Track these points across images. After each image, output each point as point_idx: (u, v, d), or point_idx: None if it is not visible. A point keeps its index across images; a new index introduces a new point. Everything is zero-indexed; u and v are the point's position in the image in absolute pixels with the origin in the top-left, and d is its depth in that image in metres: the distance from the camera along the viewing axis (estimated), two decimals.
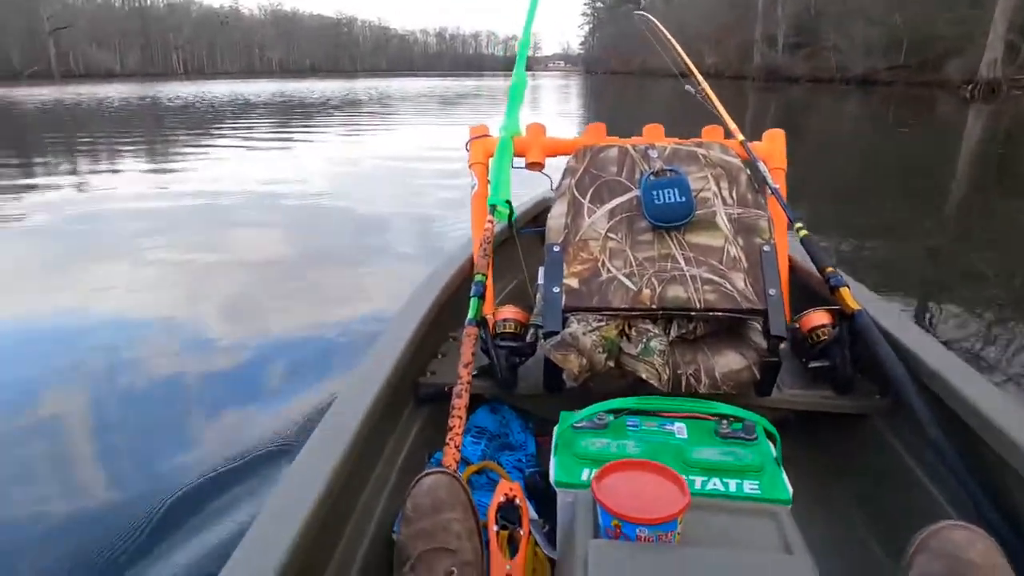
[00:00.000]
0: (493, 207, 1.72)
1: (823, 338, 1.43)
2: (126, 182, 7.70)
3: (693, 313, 1.32)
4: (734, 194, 1.43)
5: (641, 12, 2.62)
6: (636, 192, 1.43)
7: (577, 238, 1.41)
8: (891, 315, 1.48)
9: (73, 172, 8.59)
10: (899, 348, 1.31)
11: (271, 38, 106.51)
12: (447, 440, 1.14)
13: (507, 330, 1.52)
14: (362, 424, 1.12)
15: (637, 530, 0.80)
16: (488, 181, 1.84)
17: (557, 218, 1.44)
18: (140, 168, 8.84)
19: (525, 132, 1.94)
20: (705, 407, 1.11)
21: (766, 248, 1.35)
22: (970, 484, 1.08)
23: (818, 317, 1.46)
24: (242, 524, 1.70)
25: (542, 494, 1.28)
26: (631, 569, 0.76)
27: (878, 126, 14.09)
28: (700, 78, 2.14)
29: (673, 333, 1.35)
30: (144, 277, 4.04)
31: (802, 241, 1.55)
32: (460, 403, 1.18)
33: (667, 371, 1.30)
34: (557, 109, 18.43)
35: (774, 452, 1.10)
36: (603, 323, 1.31)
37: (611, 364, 1.31)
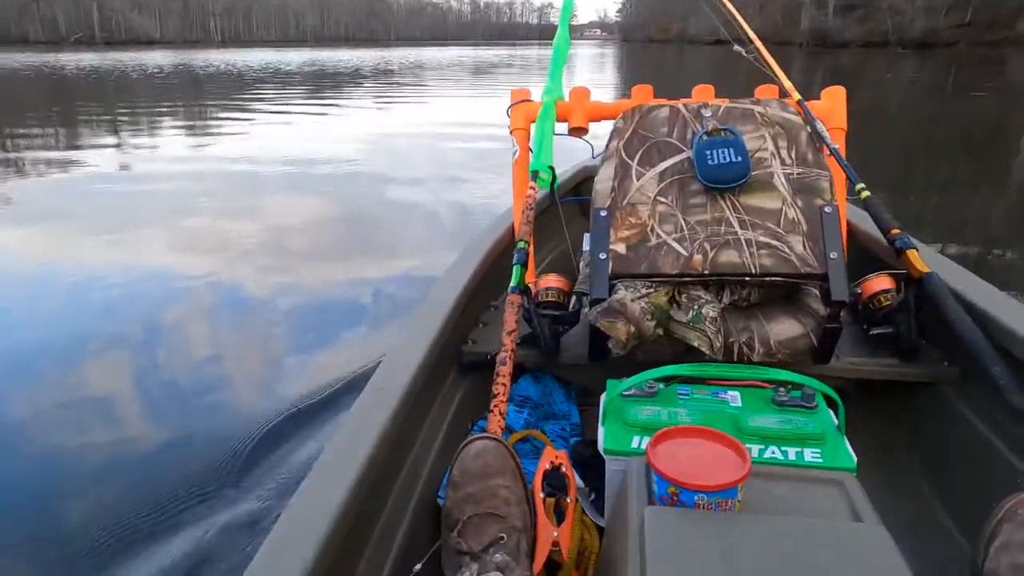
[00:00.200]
0: (535, 173, 1.68)
1: (886, 304, 1.37)
2: (167, 148, 7.91)
3: (747, 279, 1.27)
4: (793, 153, 1.36)
5: None
6: (688, 153, 1.37)
7: (625, 202, 1.36)
8: (964, 278, 1.40)
9: (116, 139, 8.82)
10: (974, 311, 1.24)
11: (306, 6, 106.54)
12: (491, 407, 1.13)
13: (549, 298, 1.49)
14: (406, 391, 1.12)
15: (696, 497, 0.78)
16: (529, 148, 1.80)
17: (604, 182, 1.39)
18: (180, 135, 9.05)
19: (568, 96, 1.88)
20: (762, 374, 1.07)
21: (827, 209, 1.29)
22: None
23: (880, 282, 1.39)
24: (288, 479, 1.75)
25: (587, 463, 1.26)
26: (690, 536, 0.73)
27: (947, 91, 13.33)
28: (753, 36, 2.04)
29: (726, 300, 1.30)
30: (188, 237, 4.15)
31: (866, 202, 1.48)
32: (505, 370, 1.17)
33: (719, 339, 1.26)
34: (594, 78, 18.15)
35: (835, 420, 1.06)
36: (652, 289, 1.27)
37: (660, 332, 1.27)
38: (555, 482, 1.07)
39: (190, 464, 1.89)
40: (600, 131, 1.88)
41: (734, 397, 1.14)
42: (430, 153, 7.19)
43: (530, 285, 1.46)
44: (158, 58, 32.54)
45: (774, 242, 1.27)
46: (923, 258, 1.34)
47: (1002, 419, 1.20)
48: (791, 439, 1.02)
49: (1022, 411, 1.07)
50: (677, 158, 1.39)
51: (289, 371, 2.46)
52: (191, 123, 10.40)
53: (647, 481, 0.84)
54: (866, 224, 1.70)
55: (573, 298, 1.48)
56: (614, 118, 1.53)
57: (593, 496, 1.20)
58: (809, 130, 1.39)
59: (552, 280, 1.51)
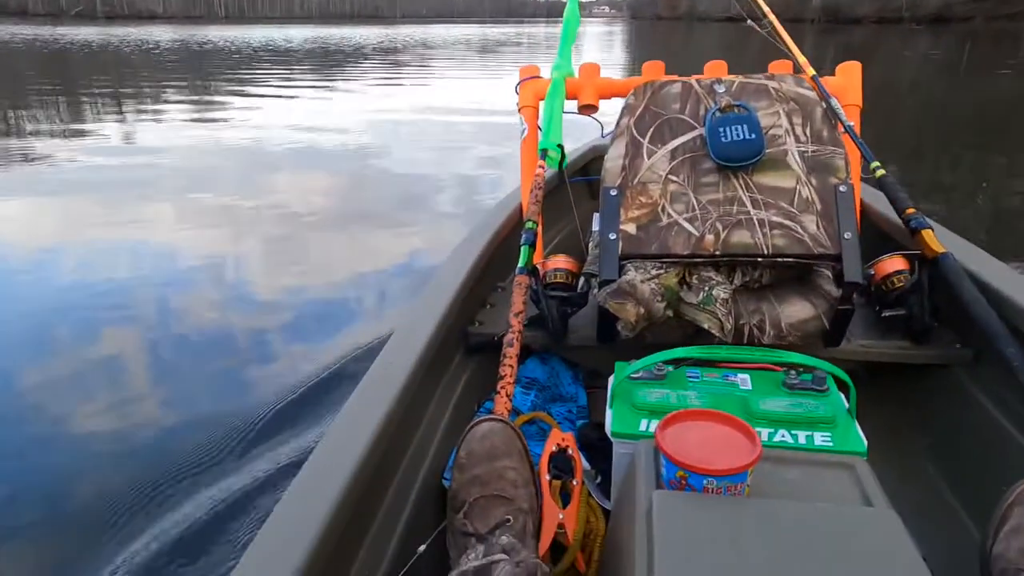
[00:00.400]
0: (544, 152, 1.65)
1: (899, 285, 1.34)
2: (171, 127, 7.79)
3: (760, 259, 1.25)
4: (808, 130, 1.32)
5: None
6: (700, 130, 1.34)
7: (635, 181, 1.33)
8: (980, 258, 1.38)
9: (119, 116, 8.73)
10: (989, 292, 1.22)
11: None
12: (498, 388, 1.12)
13: (558, 280, 1.47)
14: (411, 372, 1.11)
15: (704, 481, 0.76)
16: (538, 126, 1.77)
17: (614, 160, 1.37)
18: (182, 114, 8.89)
19: (578, 73, 1.84)
20: (772, 356, 1.05)
21: (842, 188, 1.26)
22: None
23: (894, 263, 1.37)
24: (290, 466, 1.75)
25: (593, 446, 1.26)
26: (699, 520, 0.72)
27: (969, 69, 12.97)
28: (767, 10, 1.99)
29: (737, 281, 1.28)
30: (191, 218, 4.14)
31: (880, 180, 1.45)
32: (512, 352, 1.15)
33: (730, 321, 1.24)
34: (602, 57, 17.91)
35: (846, 403, 1.04)
36: (662, 270, 1.25)
37: (670, 313, 1.25)
38: (561, 464, 1.07)
39: (193, 438, 1.91)
40: (609, 109, 1.85)
41: (744, 380, 1.12)
42: (435, 132, 7.13)
43: (538, 266, 1.44)
44: (156, 33, 32.27)
45: (787, 222, 1.24)
46: (938, 238, 1.31)
47: (1014, 402, 1.19)
48: (801, 423, 1.00)
49: None
50: (689, 135, 1.36)
51: (296, 350, 2.46)
52: (191, 101, 10.24)
53: (655, 464, 0.83)
54: (879, 204, 1.67)
55: (581, 279, 1.46)
56: (624, 95, 1.50)
57: (599, 479, 1.19)
58: (824, 106, 1.36)
59: (560, 261, 1.49)
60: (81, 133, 7.28)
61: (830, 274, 1.28)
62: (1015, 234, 3.83)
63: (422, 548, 0.89)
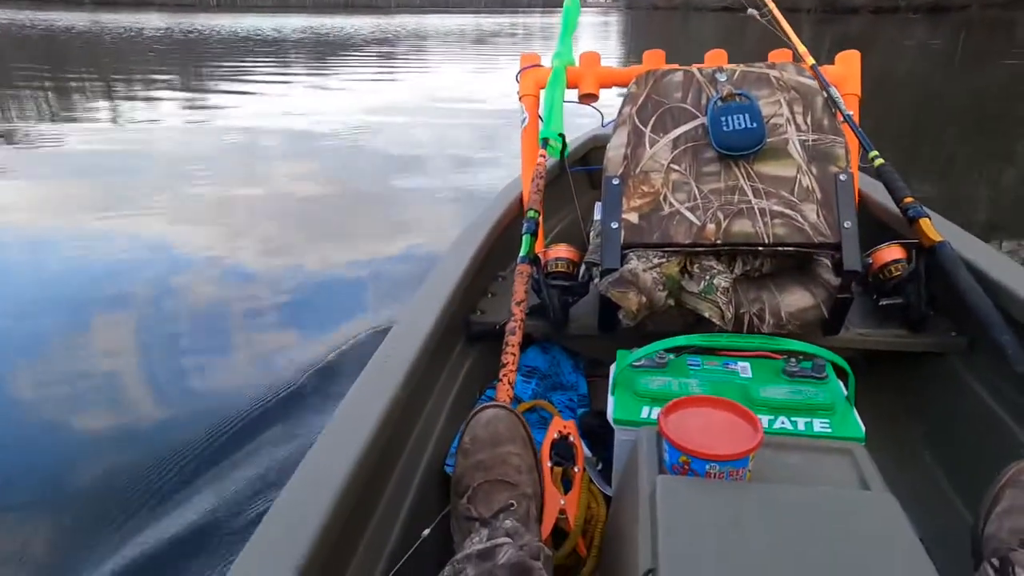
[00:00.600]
0: (545, 141, 1.65)
1: (896, 274, 1.35)
2: (163, 117, 7.68)
3: (760, 248, 1.26)
4: (808, 119, 1.33)
5: None
6: (702, 119, 1.35)
7: (637, 170, 1.34)
8: (975, 247, 1.39)
9: (110, 106, 8.57)
10: (984, 281, 1.23)
11: None
12: (500, 376, 1.12)
13: (559, 269, 1.48)
14: (414, 359, 1.11)
15: (707, 466, 0.77)
16: (539, 115, 1.77)
17: (616, 149, 1.37)
18: (174, 103, 8.75)
19: (579, 61, 1.84)
20: (772, 344, 1.06)
21: (842, 177, 1.27)
22: None
23: (891, 252, 1.38)
24: (294, 454, 1.76)
25: (594, 433, 1.27)
26: (702, 504, 0.73)
27: (978, 58, 12.82)
28: None
29: (738, 270, 1.29)
30: (187, 209, 4.12)
31: (879, 170, 1.46)
32: (514, 340, 1.16)
33: (730, 309, 1.25)
34: (599, 47, 17.63)
35: (845, 391, 1.05)
36: (664, 259, 1.26)
37: (671, 302, 1.26)
38: (563, 451, 1.08)
39: (187, 432, 1.90)
40: (608, 98, 1.85)
41: (744, 368, 1.13)
42: (431, 126, 7.09)
43: (539, 255, 1.44)
44: (142, 20, 31.79)
45: (788, 211, 1.25)
46: (935, 227, 1.32)
47: (1007, 389, 1.20)
48: (801, 409, 1.02)
49: None
50: (691, 124, 1.36)
51: (297, 342, 2.46)
52: (180, 93, 10.03)
53: (658, 450, 0.84)
54: (877, 193, 1.67)
55: (582, 268, 1.46)
56: (625, 84, 1.50)
57: (600, 466, 1.20)
58: (825, 96, 1.36)
59: (562, 250, 1.49)
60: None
61: (829, 263, 1.29)
62: (1008, 216, 3.84)
63: (426, 532, 0.90)
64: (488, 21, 40.91)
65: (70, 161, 5.52)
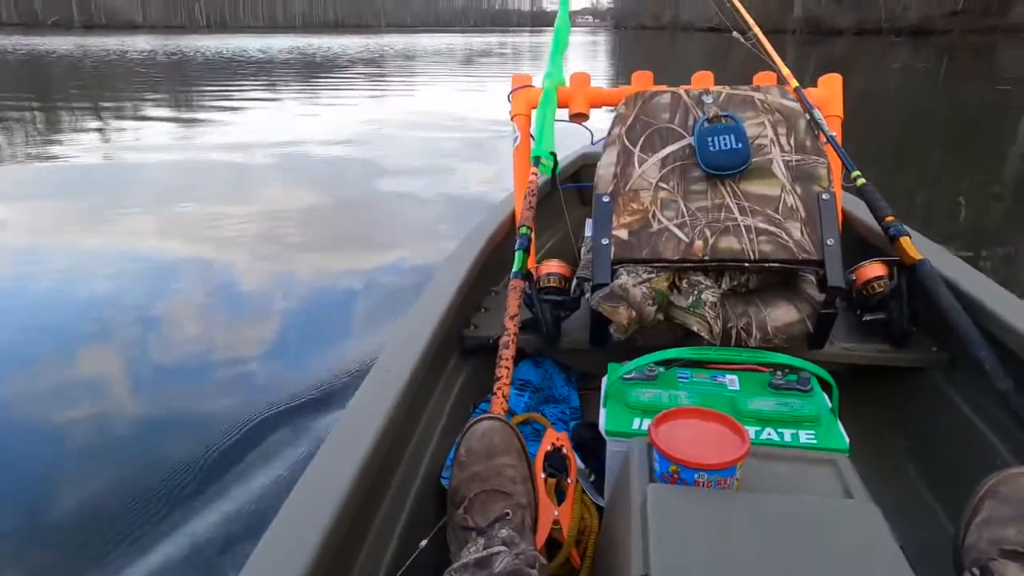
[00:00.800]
0: (537, 159, 1.69)
1: (879, 290, 1.39)
2: (152, 137, 7.60)
3: (747, 265, 1.29)
4: (792, 140, 1.37)
5: None
6: (689, 139, 1.39)
7: (627, 188, 1.37)
8: (955, 265, 1.43)
9: (100, 127, 8.48)
10: (964, 299, 1.27)
11: None
12: (495, 389, 1.15)
13: (551, 284, 1.51)
14: (410, 374, 1.13)
15: (696, 476, 0.80)
16: (531, 134, 1.81)
17: (606, 167, 1.41)
18: (164, 124, 8.65)
19: (569, 82, 1.89)
20: (759, 357, 1.09)
21: (825, 196, 1.31)
22: None
23: (874, 269, 1.42)
24: (294, 470, 1.76)
25: (586, 445, 1.29)
26: (691, 512, 0.75)
27: (968, 82, 12.91)
28: (752, 23, 2.05)
29: (725, 285, 1.32)
30: (175, 228, 4.10)
31: (861, 189, 1.50)
32: (507, 354, 1.19)
33: (718, 324, 1.28)
34: (588, 67, 17.67)
35: (829, 403, 1.08)
36: (653, 275, 1.29)
37: (660, 317, 1.29)
38: (556, 463, 1.10)
39: (182, 452, 1.89)
40: (598, 117, 1.89)
41: (732, 380, 1.16)
42: (419, 143, 7.10)
43: (531, 271, 1.47)
44: (128, 43, 31.46)
45: (772, 228, 1.29)
46: (916, 245, 1.36)
47: (987, 403, 1.23)
48: (787, 421, 1.04)
49: (1006, 395, 1.10)
50: (679, 144, 1.40)
51: (293, 359, 2.46)
52: (167, 113, 9.89)
53: (649, 460, 0.86)
54: (861, 211, 1.72)
55: (574, 283, 1.49)
56: (615, 104, 1.54)
57: (593, 477, 1.22)
58: (807, 117, 1.41)
59: (554, 266, 1.52)
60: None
61: (814, 279, 1.33)
62: (987, 232, 3.92)
63: (424, 543, 0.92)
64: (477, 40, 41.18)
65: (48, 182, 5.49)
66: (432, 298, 1.40)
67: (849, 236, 1.70)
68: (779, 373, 1.13)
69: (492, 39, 43.42)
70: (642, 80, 1.85)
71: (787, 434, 1.02)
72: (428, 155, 6.30)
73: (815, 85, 1.78)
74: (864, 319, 1.42)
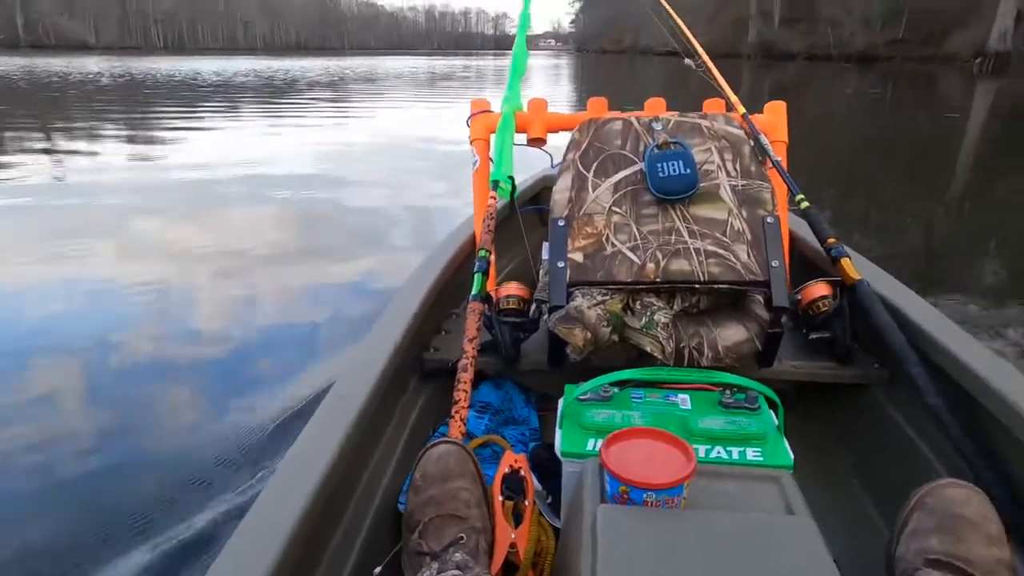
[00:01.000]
0: (495, 183, 1.71)
1: (823, 309, 1.44)
2: (106, 162, 7.29)
3: (697, 286, 1.33)
4: (737, 166, 1.43)
5: None
6: (640, 165, 1.43)
7: (581, 212, 1.41)
8: (891, 285, 1.49)
9: (49, 149, 8.11)
10: (899, 317, 1.33)
11: (255, 12, 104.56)
12: (453, 413, 1.15)
13: (510, 306, 1.52)
14: (367, 398, 1.13)
15: (644, 495, 0.82)
16: (490, 157, 1.83)
17: (561, 192, 1.44)
18: (119, 149, 8.33)
19: (527, 107, 1.92)
20: (709, 377, 1.12)
21: (769, 220, 1.36)
22: (967, 447, 1.10)
23: (819, 289, 1.47)
24: (247, 499, 1.73)
25: (545, 467, 1.30)
26: (639, 532, 0.77)
27: (908, 106, 13.27)
28: (701, 51, 2.12)
29: (677, 306, 1.36)
30: (130, 256, 4.01)
31: (805, 212, 1.56)
32: (466, 377, 1.20)
33: (670, 344, 1.31)
34: (550, 91, 17.91)
35: (776, 420, 1.12)
36: (608, 296, 1.32)
37: (615, 338, 1.32)
38: (513, 486, 1.10)
39: (125, 488, 1.83)
40: (557, 141, 1.93)
41: (684, 400, 1.19)
42: (383, 164, 7.05)
43: (491, 293, 1.49)
44: (77, 64, 30.10)
45: (721, 251, 1.33)
46: (855, 266, 1.42)
47: (922, 418, 1.28)
48: (736, 439, 1.07)
49: (937, 411, 1.15)
50: (630, 170, 1.44)
51: (250, 386, 2.41)
52: (128, 136, 9.52)
53: (600, 481, 0.88)
54: (808, 233, 1.78)
55: (533, 306, 1.51)
56: (571, 129, 1.58)
57: (550, 499, 1.23)
58: (752, 143, 1.47)
59: (513, 288, 1.54)
60: None
61: (762, 299, 1.37)
62: (924, 253, 4.07)
63: (378, 570, 0.91)
64: (441, 63, 41.37)
65: None
66: (391, 321, 1.40)
67: (797, 257, 1.76)
68: (728, 392, 1.17)
69: (456, 62, 43.68)
70: (597, 106, 1.89)
71: (735, 452, 1.05)
72: (386, 180, 6.22)
73: (762, 111, 1.84)
74: (810, 337, 1.47)
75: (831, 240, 1.47)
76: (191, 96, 16.03)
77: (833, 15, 31.19)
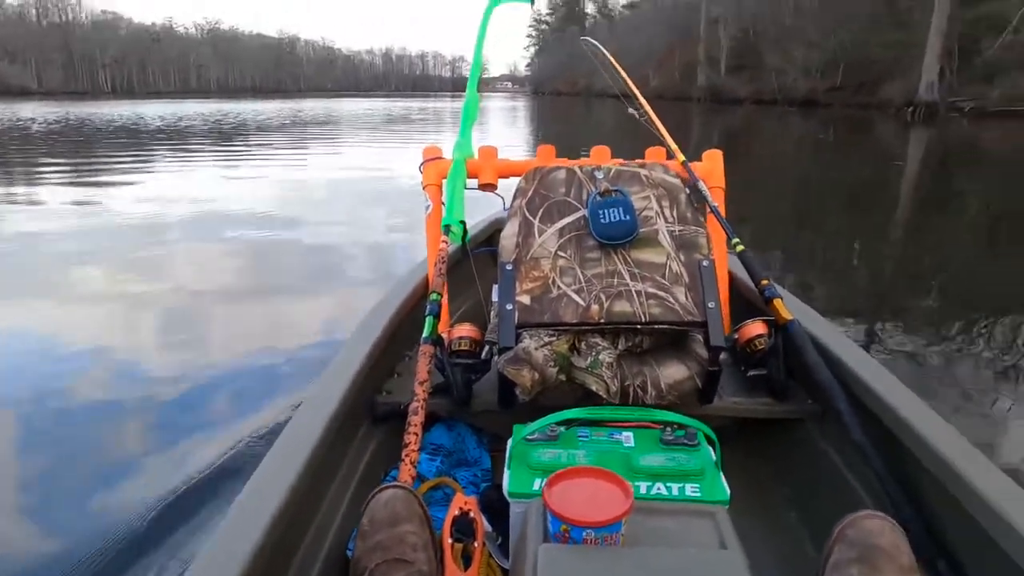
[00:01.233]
0: (447, 227, 1.76)
1: (760, 348, 1.51)
2: (50, 210, 6.92)
3: (639, 326, 1.38)
4: (674, 212, 1.50)
5: (586, 38, 2.72)
6: (584, 212, 1.50)
7: (528, 256, 1.46)
8: (820, 325, 1.57)
9: None
10: (827, 356, 1.40)
11: (208, 57, 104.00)
12: (403, 456, 1.17)
13: (462, 348, 1.55)
14: (317, 443, 1.13)
15: (584, 533, 0.84)
16: (442, 202, 1.88)
17: (509, 237, 1.49)
18: (64, 195, 7.86)
19: (477, 154, 1.98)
20: (649, 415, 1.17)
21: (705, 263, 1.43)
22: (887, 479, 1.17)
23: (755, 328, 1.54)
24: (195, 548, 1.68)
25: (495, 508, 1.31)
26: (578, 571, 0.80)
27: (851, 151, 13.75)
28: (643, 101, 2.23)
29: (621, 346, 1.41)
30: (76, 304, 3.87)
31: (740, 255, 1.64)
32: (416, 419, 1.21)
33: (615, 383, 1.36)
34: (507, 133, 18.05)
35: (714, 456, 1.16)
36: (554, 338, 1.36)
37: (562, 378, 1.36)
38: (464, 528, 1.12)
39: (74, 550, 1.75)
40: (512, 184, 1.98)
41: (628, 438, 1.23)
42: (338, 206, 6.98)
43: (443, 335, 1.52)
44: (14, 110, 28.44)
45: (661, 293, 1.40)
46: (787, 306, 1.49)
47: (850, 451, 1.35)
48: (675, 476, 1.11)
49: (861, 445, 1.21)
50: (574, 216, 1.51)
51: (198, 433, 2.35)
52: (73, 182, 8.94)
53: (544, 520, 0.90)
54: (747, 274, 1.87)
55: (485, 347, 1.54)
56: (520, 175, 1.64)
57: (500, 540, 1.24)
58: (688, 191, 1.55)
59: (465, 330, 1.57)
60: None
61: (701, 339, 1.43)
62: (861, 290, 4.26)
63: None
64: (398, 105, 41.57)
65: None
66: (342, 365, 1.40)
67: (737, 297, 1.84)
68: (669, 429, 1.21)
69: (413, 104, 43.96)
70: (545, 153, 1.97)
71: (675, 488, 1.09)
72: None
73: (701, 159, 1.94)
74: (748, 375, 1.53)
75: (764, 281, 1.55)
76: (128, 143, 15.02)
77: (776, 63, 32.75)
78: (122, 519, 1.84)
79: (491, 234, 2.43)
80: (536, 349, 1.34)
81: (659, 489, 1.09)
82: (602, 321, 1.38)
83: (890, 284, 4.39)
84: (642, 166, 1.59)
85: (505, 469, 1.16)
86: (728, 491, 1.09)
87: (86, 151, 13.51)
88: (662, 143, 2.01)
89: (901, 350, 3.08)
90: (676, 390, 1.40)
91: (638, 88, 2.36)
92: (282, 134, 17.48)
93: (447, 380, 1.48)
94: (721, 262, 1.76)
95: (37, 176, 9.99)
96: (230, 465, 2.08)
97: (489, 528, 1.24)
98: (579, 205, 1.52)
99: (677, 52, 46.83)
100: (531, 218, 1.52)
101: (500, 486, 1.28)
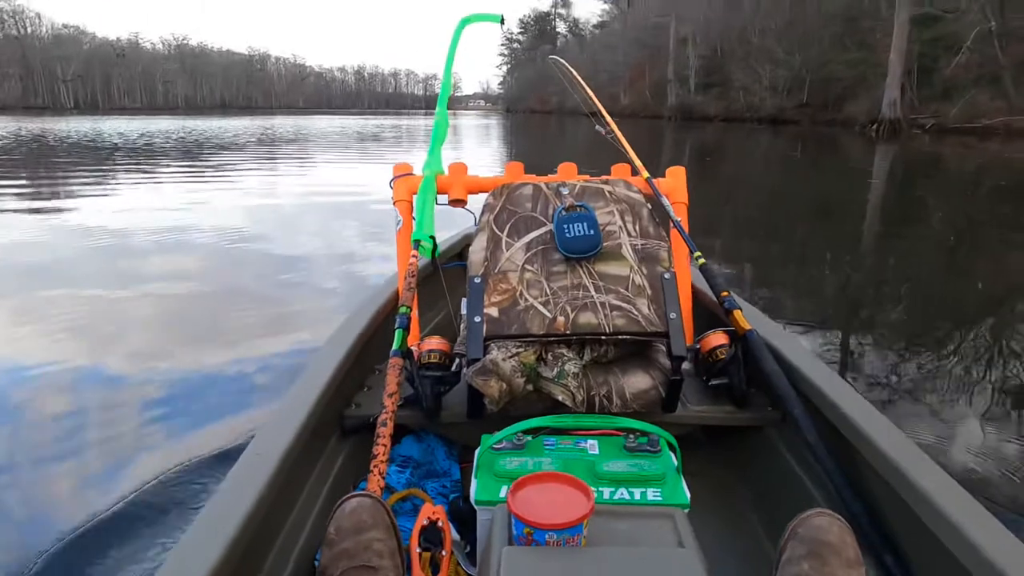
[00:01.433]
0: (417, 242, 1.78)
1: (721, 357, 1.56)
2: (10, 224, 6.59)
3: (604, 337, 1.42)
4: (637, 227, 1.55)
5: (554, 57, 2.78)
6: (549, 226, 1.54)
7: (496, 270, 1.49)
8: (779, 334, 1.63)
9: None
10: (785, 364, 1.45)
11: (176, 73, 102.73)
12: (371, 467, 1.18)
13: (432, 360, 1.57)
14: (285, 456, 1.14)
15: (546, 536, 0.87)
16: (412, 217, 1.91)
17: (477, 252, 1.53)
18: (25, 210, 7.46)
19: (447, 171, 2.02)
20: (612, 423, 1.20)
21: (666, 276, 1.48)
22: (838, 478, 1.22)
23: (717, 338, 1.58)
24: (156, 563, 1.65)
25: (465, 518, 1.33)
26: (541, 571, 0.82)
27: (820, 166, 13.98)
28: (608, 119, 2.29)
29: (587, 357, 1.45)
30: (39, 319, 3.79)
31: (701, 268, 1.70)
32: (385, 431, 1.23)
33: (581, 392, 1.39)
34: (478, 150, 18.02)
35: (675, 462, 1.20)
36: (522, 349, 1.39)
37: (530, 388, 1.39)
38: (432, 537, 1.14)
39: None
40: (482, 200, 2.02)
41: (592, 445, 1.26)
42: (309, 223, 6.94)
43: (413, 348, 1.54)
44: None
45: (624, 304, 1.44)
46: (746, 317, 1.55)
47: (806, 455, 1.39)
48: (637, 481, 1.15)
49: (814, 448, 1.27)
50: (540, 231, 1.55)
51: (166, 449, 2.32)
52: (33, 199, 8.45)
53: (508, 525, 0.93)
54: (707, 286, 1.92)
55: (455, 360, 1.57)
56: (489, 191, 1.68)
57: (468, 548, 1.26)
58: (650, 207, 1.60)
59: (434, 343, 1.59)
60: None
61: (664, 348, 1.48)
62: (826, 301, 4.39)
63: None
64: (371, 123, 41.42)
65: None
66: (311, 378, 1.41)
67: (700, 309, 1.89)
68: (632, 437, 1.24)
69: (386, 122, 43.86)
70: (513, 170, 2.01)
71: (637, 492, 1.12)
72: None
73: (664, 175, 2.00)
74: (710, 383, 1.58)
75: (724, 293, 1.61)
76: (80, 162, 13.96)
77: (744, 81, 33.55)
78: (65, 533, 1.81)
79: (462, 249, 2.47)
80: (504, 360, 1.37)
81: (622, 494, 1.12)
82: (568, 332, 1.42)
83: (855, 292, 4.52)
84: (606, 182, 1.64)
85: (473, 478, 1.18)
86: (688, 495, 1.13)
87: (30, 169, 12.72)
88: (627, 160, 2.07)
89: (859, 356, 3.18)
90: (640, 399, 1.44)
91: (610, 106, 2.42)
92: (246, 153, 16.58)
93: (417, 392, 1.50)
94: (683, 275, 1.81)
95: None
96: (187, 480, 2.05)
97: (457, 537, 1.26)
98: (545, 220, 1.56)
99: (647, 71, 47.69)
100: (499, 233, 1.55)
101: (469, 497, 1.30)
